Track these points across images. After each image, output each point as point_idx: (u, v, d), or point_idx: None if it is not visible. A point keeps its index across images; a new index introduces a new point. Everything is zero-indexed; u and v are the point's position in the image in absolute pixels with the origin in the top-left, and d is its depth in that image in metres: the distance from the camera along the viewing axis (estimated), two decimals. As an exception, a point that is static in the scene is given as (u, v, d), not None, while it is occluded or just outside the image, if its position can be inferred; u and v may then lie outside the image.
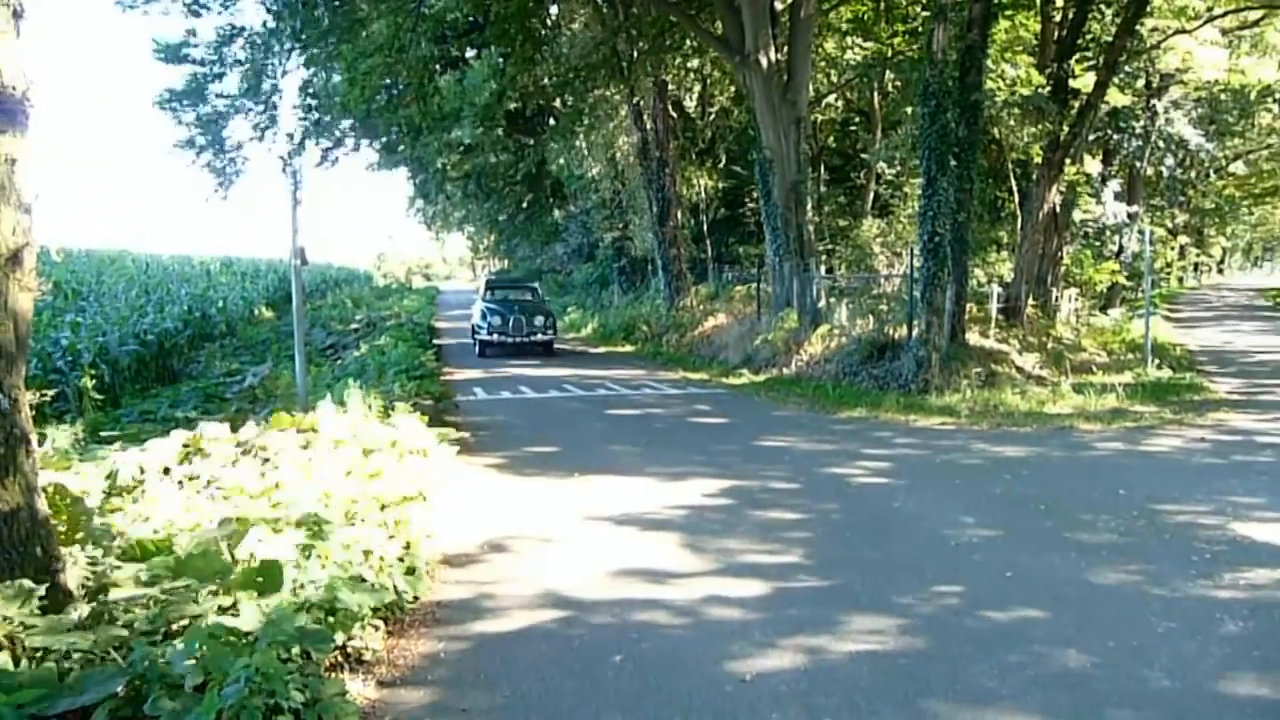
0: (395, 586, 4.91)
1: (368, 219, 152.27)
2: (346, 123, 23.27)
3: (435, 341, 21.71)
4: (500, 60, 20.44)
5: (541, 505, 7.43)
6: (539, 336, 20.15)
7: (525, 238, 41.69)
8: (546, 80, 23.60)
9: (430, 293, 50.01)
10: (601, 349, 22.60)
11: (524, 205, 35.79)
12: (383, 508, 5.46)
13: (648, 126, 23.82)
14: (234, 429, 6.62)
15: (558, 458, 9.31)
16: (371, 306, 31.57)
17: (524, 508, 7.34)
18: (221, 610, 3.82)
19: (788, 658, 4.41)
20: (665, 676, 4.25)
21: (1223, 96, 29.93)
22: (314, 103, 22.30)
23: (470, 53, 22.52)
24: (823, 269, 19.49)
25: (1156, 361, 15.59)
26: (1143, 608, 4.95)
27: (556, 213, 35.30)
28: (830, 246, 22.34)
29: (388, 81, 20.19)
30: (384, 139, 27.34)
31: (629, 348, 22.07)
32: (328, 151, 25.14)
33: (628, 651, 4.54)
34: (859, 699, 3.97)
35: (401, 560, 5.24)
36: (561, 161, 28.86)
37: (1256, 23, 23.99)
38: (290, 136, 21.45)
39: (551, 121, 28.99)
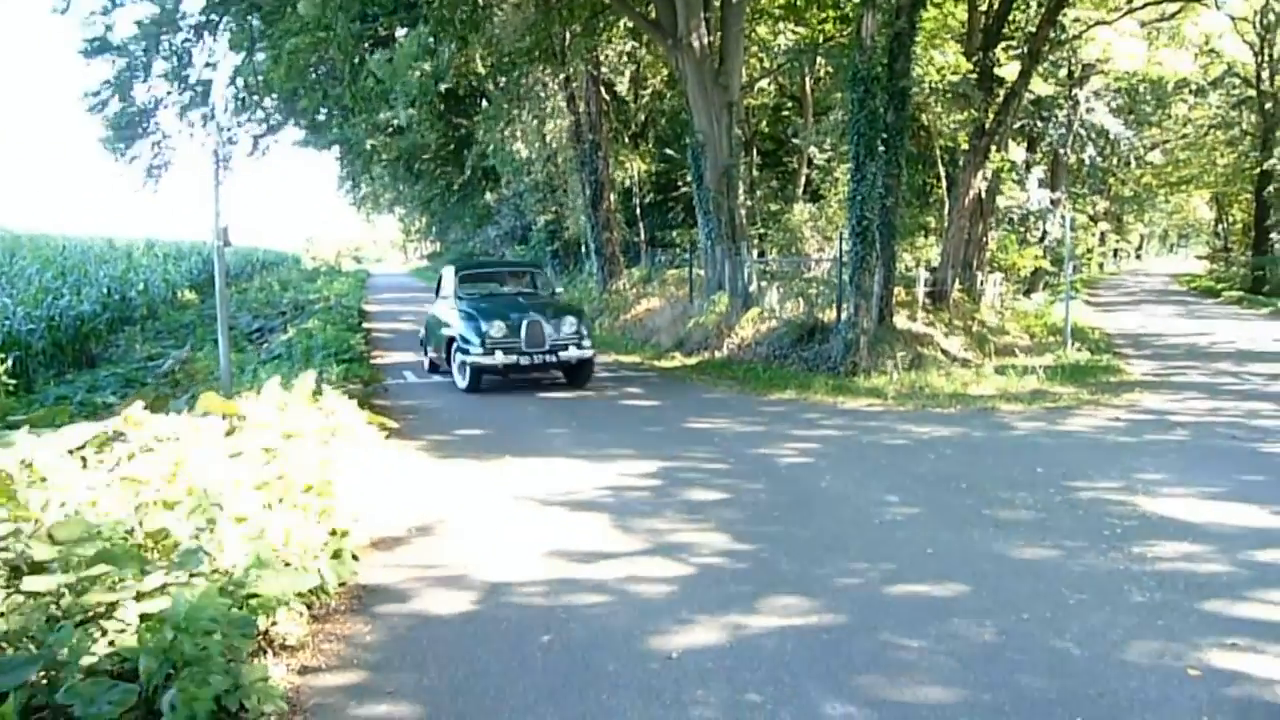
0: (320, 571, 4.85)
1: (296, 201, 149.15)
2: (272, 101, 22.61)
3: (365, 325, 21.37)
4: (432, 40, 20.11)
5: (471, 488, 7.40)
6: (572, 352, 12.44)
7: (457, 220, 41.26)
8: (480, 62, 23.28)
9: (361, 276, 49.16)
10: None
11: (456, 187, 35.32)
12: (307, 491, 5.37)
13: (581, 109, 23.72)
14: (153, 413, 6.44)
15: (488, 440, 9.27)
16: (300, 289, 30.92)
17: (454, 490, 7.30)
18: (140, 596, 3.73)
19: (714, 634, 4.47)
20: (593, 655, 4.28)
21: (1141, 87, 30.84)
22: (241, 85, 21.68)
23: (401, 32, 22.12)
24: (755, 253, 19.65)
25: (1076, 344, 16.06)
26: (1056, 581, 5.11)
27: (489, 195, 34.92)
28: (762, 230, 22.52)
29: (315, 61, 19.74)
30: (312, 119, 26.73)
31: (563, 331, 22.00)
32: (258, 140, 24.49)
33: (556, 631, 4.56)
34: (783, 673, 4.04)
35: (327, 545, 5.17)
36: (495, 143, 28.55)
37: (1173, 16, 24.74)
38: (209, 118, 20.79)
39: (485, 103, 28.67)
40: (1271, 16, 30.75)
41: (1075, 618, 4.60)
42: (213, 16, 19.53)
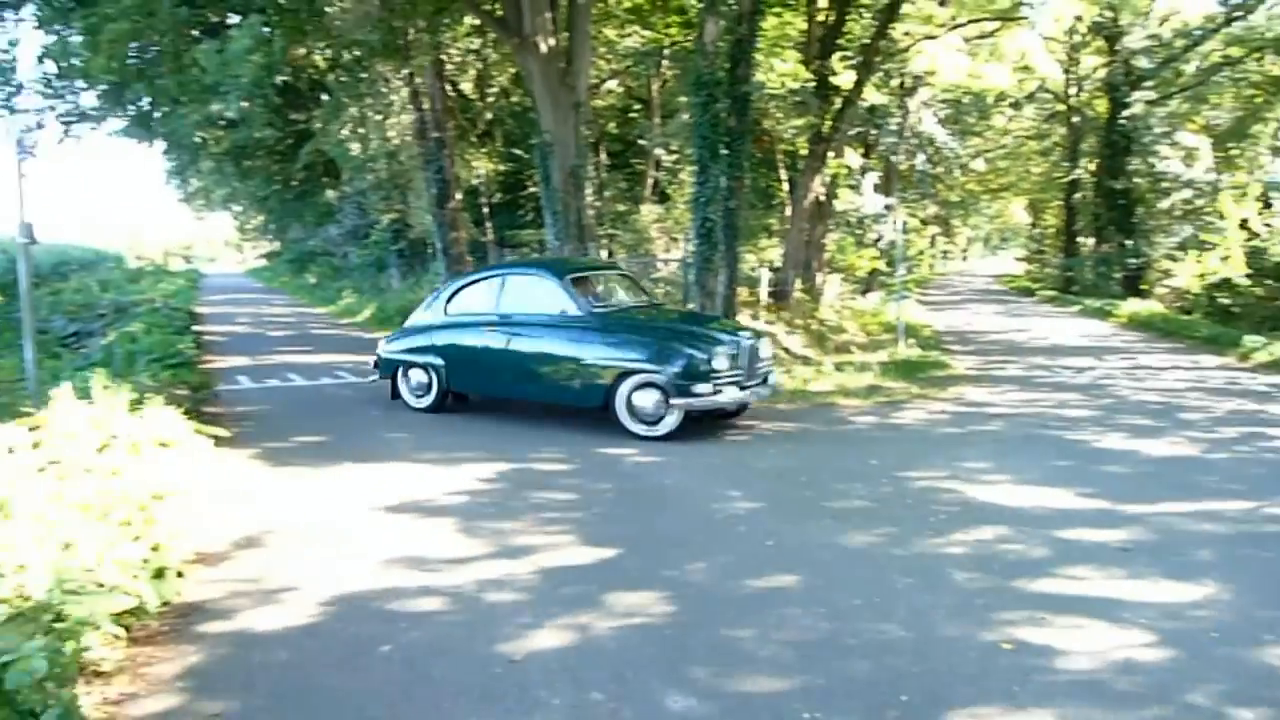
0: (139, 590, 4.57)
1: (120, 196, 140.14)
2: (83, 85, 21.10)
3: (196, 328, 20.29)
4: (267, 30, 19.28)
5: (308, 496, 7.13)
6: (771, 380, 10.23)
7: (297, 218, 39.69)
8: (319, 55, 22.47)
9: (191, 276, 46.73)
10: (379, 334, 21.79)
11: (294, 184, 34.00)
12: (125, 506, 5.05)
13: (425, 106, 23.22)
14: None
15: (328, 447, 8.95)
16: (122, 290, 29.06)
17: (289, 500, 7.02)
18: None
19: (558, 636, 4.46)
20: (434, 663, 4.20)
21: (965, 99, 32.73)
22: (52, 68, 20.15)
23: (233, 20, 21.11)
24: (603, 253, 19.76)
25: (909, 341, 16.87)
26: (886, 567, 5.36)
27: (330, 193, 33.75)
28: (611, 231, 22.66)
29: (137, 48, 18.56)
30: (135, 110, 25.14)
31: (409, 333, 21.53)
32: (69, 127, 22.83)
33: (396, 641, 4.44)
34: (627, 670, 4.07)
35: (147, 562, 4.88)
36: (335, 139, 27.62)
37: (993, 34, 26.38)
38: (8, 102, 19.22)
39: (324, 97, 27.69)
40: (1078, 37, 33.20)
41: (902, 601, 4.83)
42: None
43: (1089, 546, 5.70)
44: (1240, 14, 25.40)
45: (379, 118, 26.63)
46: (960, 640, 4.35)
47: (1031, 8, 25.78)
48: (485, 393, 10.73)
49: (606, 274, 11.71)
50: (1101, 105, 32.38)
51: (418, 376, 10.65)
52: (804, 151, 20.47)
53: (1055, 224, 45.31)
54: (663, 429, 9.07)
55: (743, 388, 9.36)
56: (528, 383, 9.93)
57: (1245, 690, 3.83)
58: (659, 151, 25.93)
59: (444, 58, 23.02)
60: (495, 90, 27.56)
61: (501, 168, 27.95)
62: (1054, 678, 3.97)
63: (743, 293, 17.15)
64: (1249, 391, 12.32)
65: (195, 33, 20.22)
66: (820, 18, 19.97)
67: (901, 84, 26.69)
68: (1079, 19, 30.02)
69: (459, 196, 24.26)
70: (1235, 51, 26.28)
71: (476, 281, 10.87)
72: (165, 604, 4.82)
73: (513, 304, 10.19)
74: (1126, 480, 7.45)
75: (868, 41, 19.36)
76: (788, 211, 21.45)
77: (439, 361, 10.39)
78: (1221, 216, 24.45)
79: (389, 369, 10.94)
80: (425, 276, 25.91)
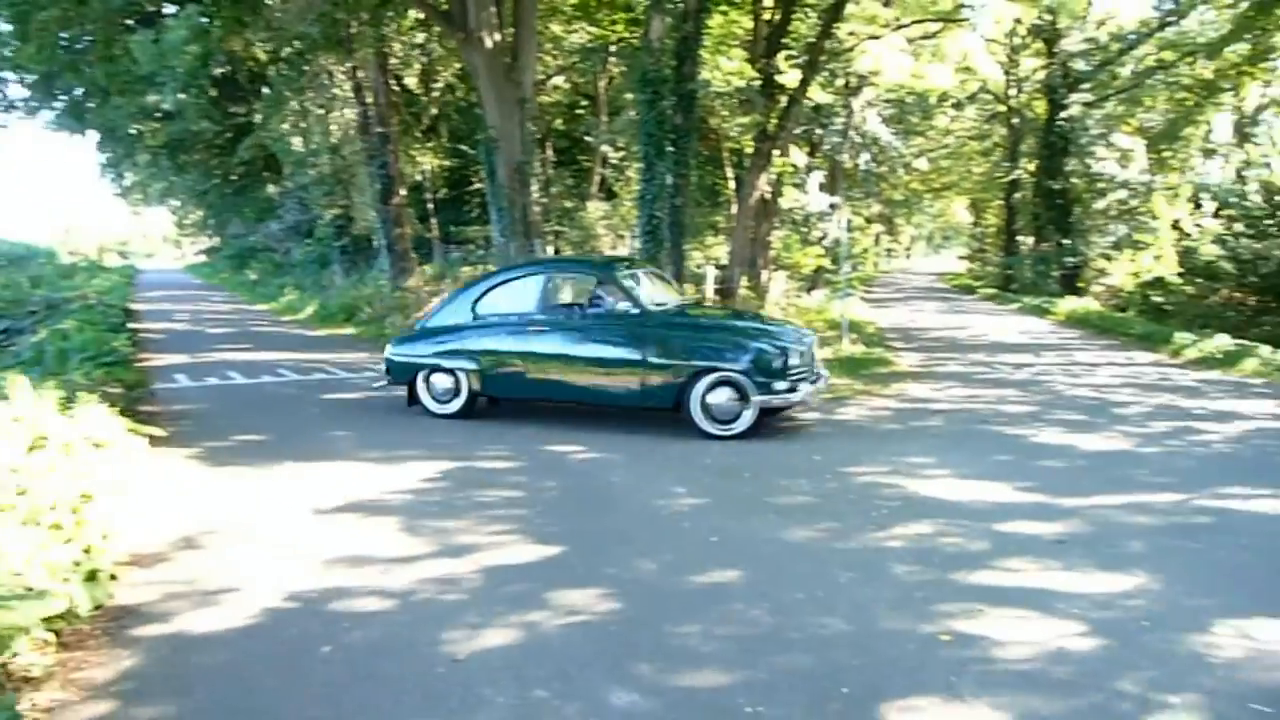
0: (70, 594, 4.45)
1: (52, 190, 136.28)
2: (13, 76, 20.46)
3: (132, 325, 19.82)
4: (204, 21, 18.88)
5: (248, 497, 7.00)
6: (822, 380, 9.99)
7: (237, 213, 38.95)
8: (259, 47, 22.04)
9: (127, 272, 45.64)
10: (322, 331, 21.58)
11: (234, 178, 33.35)
12: (54, 508, 4.91)
13: (369, 101, 22.96)
14: None
15: (268, 446, 8.80)
16: (55, 286, 28.28)
17: (228, 500, 6.89)
18: None
19: (502, 634, 4.44)
20: (376, 663, 4.15)
21: (908, 99, 33.22)
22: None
23: (170, 9, 20.62)
24: (549, 249, 19.70)
25: (853, 338, 17.06)
26: (828, 561, 5.42)
27: (271, 188, 33.17)
28: (557, 227, 22.62)
29: (68, 37, 18.05)
30: (66, 101, 24.44)
31: (351, 330, 21.22)
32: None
33: (337, 642, 4.39)
34: (571, 668, 4.07)
35: (79, 566, 4.76)
36: (277, 133, 27.15)
37: (936, 35, 26.78)
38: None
39: (265, 90, 27.20)
40: (1018, 40, 33.87)
41: (844, 595, 4.89)
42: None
43: (1026, 539, 5.82)
44: (1173, 19, 26.13)
45: (321, 112, 26.25)
46: (900, 633, 4.42)
47: (973, 10, 26.23)
48: (528, 396, 10.06)
49: (646, 272, 11.12)
50: (1040, 107, 33.09)
51: (443, 381, 10.01)
52: (750, 150, 20.60)
53: (996, 223, 46.22)
54: (739, 427, 8.91)
55: (809, 384, 9.28)
56: (583, 386, 9.51)
57: (1172, 677, 3.95)
58: (606, 148, 25.93)
59: (388, 51, 22.77)
60: (440, 85, 27.34)
61: (447, 163, 27.75)
62: (990, 668, 4.04)
63: (689, 290, 17.19)
64: (1179, 387, 12.67)
65: (130, 22, 19.73)
66: (766, 16, 20.11)
67: (846, 84, 26.99)
68: (1019, 22, 30.59)
69: (403, 192, 24.04)
70: (1168, 55, 27.01)
71: (509, 281, 10.30)
72: (98, 607, 4.71)
73: (560, 303, 9.91)
74: (1062, 474, 7.62)
75: (813, 41, 19.54)
76: (734, 209, 21.57)
77: (470, 365, 9.84)
78: (1154, 217, 25.15)
79: (406, 374, 10.21)
80: (369, 274, 25.58)
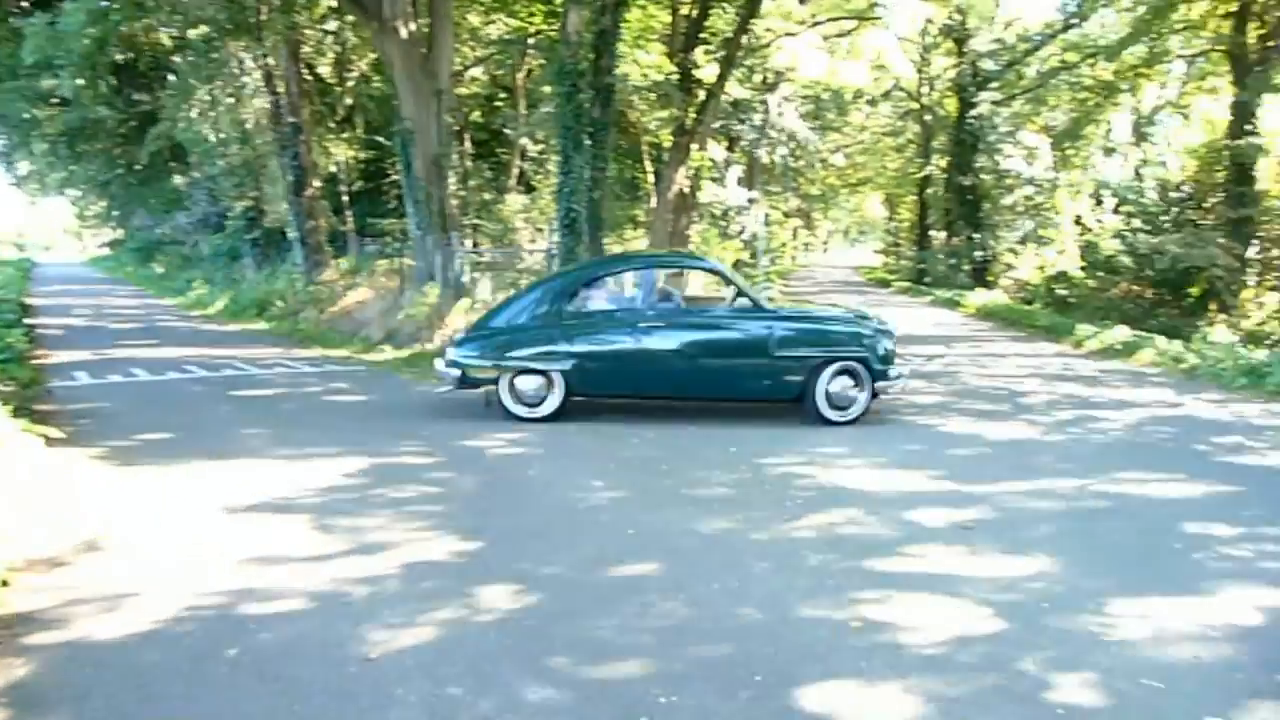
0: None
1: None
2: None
3: (27, 321, 18.97)
4: (104, 4, 18.16)
5: (152, 497, 6.76)
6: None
7: (142, 204, 37.53)
8: (164, 32, 21.29)
9: (24, 265, 43.71)
10: (232, 326, 21.00)
11: (139, 168, 32.08)
12: (-62, 512, 4.68)
13: (280, 90, 22.34)
14: None
15: (175, 444, 8.52)
16: (-58, 281, 26.95)
17: (132, 501, 6.64)
18: None
19: (416, 632, 4.38)
20: (284, 665, 4.05)
21: (824, 95, 33.76)
22: None
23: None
24: (468, 243, 19.50)
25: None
26: (743, 552, 5.48)
27: (178, 178, 32.04)
28: (476, 221, 22.37)
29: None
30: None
31: (263, 325, 20.73)
32: None
33: (244, 644, 4.27)
34: (486, 664, 4.03)
35: (-34, 571, 4.55)
36: (183, 122, 26.24)
37: (850, 33, 27.28)
38: None
39: (171, 78, 26.28)
40: (929, 39, 34.69)
41: (759, 584, 4.95)
42: None
43: (935, 526, 5.97)
44: (1075, 21, 27.04)
45: (231, 100, 25.47)
46: (813, 620, 4.49)
47: (886, 9, 26.80)
48: (635, 393, 9.82)
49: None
50: (951, 105, 33.95)
51: (530, 383, 9.47)
52: (669, 143, 20.69)
53: (909, 218, 47.33)
54: (855, 412, 9.33)
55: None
56: (699, 380, 9.50)
57: (1069, 657, 4.09)
58: (525, 141, 25.74)
59: (300, 39, 22.19)
60: (355, 75, 26.77)
61: (362, 155, 27.19)
62: (899, 652, 4.14)
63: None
64: (1081, 376, 13.15)
65: (24, 4, 18.88)
66: (684, 11, 20.21)
67: (764, 79, 27.31)
68: (930, 21, 31.39)
69: (317, 184, 23.48)
70: (1071, 57, 27.96)
71: (603, 277, 10.25)
72: (-13, 616, 4.50)
73: (665, 300, 9.85)
74: (971, 462, 7.84)
75: (730, 36, 19.69)
76: (653, 203, 21.63)
77: (566, 365, 9.40)
78: (1058, 213, 26.03)
79: (483, 379, 9.58)
80: (282, 267, 24.95)
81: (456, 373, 9.55)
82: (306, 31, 22.78)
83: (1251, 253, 22.46)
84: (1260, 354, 13.49)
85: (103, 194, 41.65)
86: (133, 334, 18.63)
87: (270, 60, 21.89)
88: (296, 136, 22.03)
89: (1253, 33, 21.74)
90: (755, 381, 9.45)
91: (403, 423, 9.49)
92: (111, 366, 13.55)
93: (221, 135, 26.55)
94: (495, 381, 9.52)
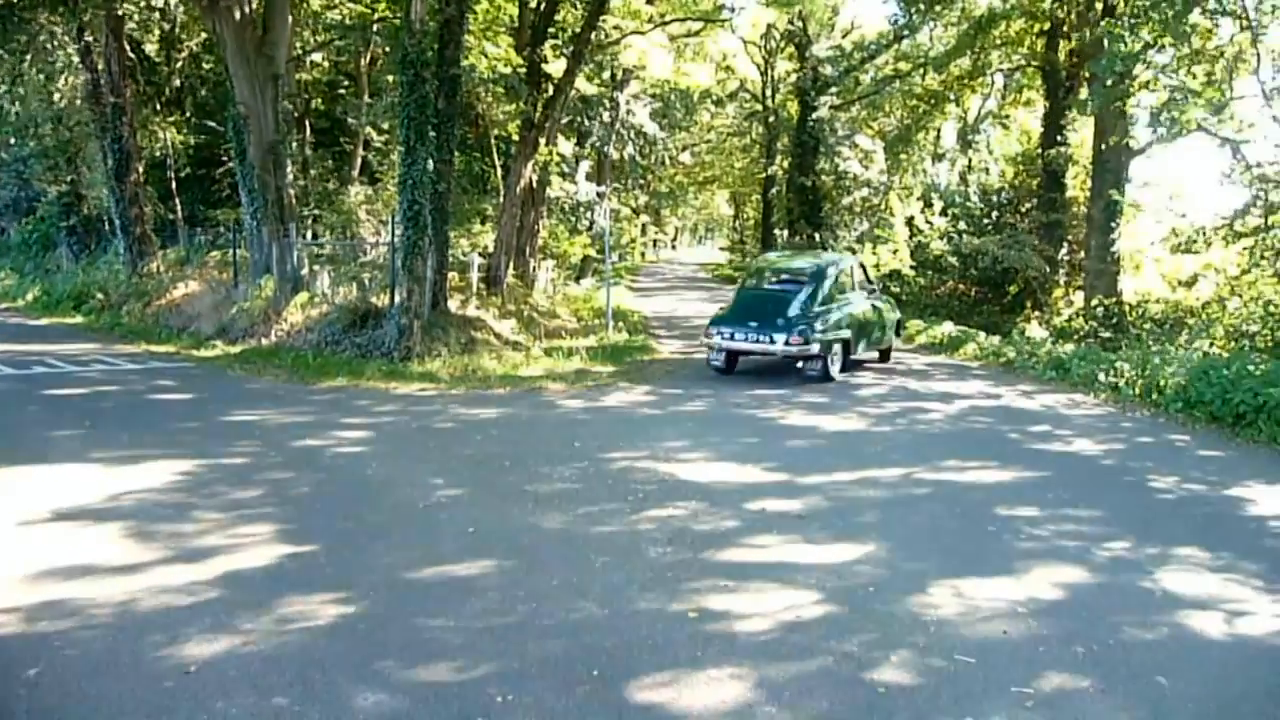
0: None
1: None
2: None
3: None
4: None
5: (-57, 506, 6.21)
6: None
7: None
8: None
9: None
10: (45, 320, 19.57)
11: (-64, 148, 29.47)
12: None
13: (100, 67, 20.86)
14: None
15: (-29, 449, 7.85)
16: None
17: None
18: None
19: (240, 641, 4.18)
20: (94, 682, 3.80)
21: (672, 95, 34.19)
22: None
23: None
24: (307, 235, 18.78)
25: (619, 326, 17.42)
26: (584, 546, 5.49)
27: (-20, 160, 29.59)
28: (316, 212, 21.53)
29: None
30: None
31: (80, 319, 19.39)
32: None
33: (48, 662, 3.97)
34: (314, 672, 3.89)
35: None
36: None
37: (698, 33, 27.71)
38: None
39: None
40: (773, 44, 35.69)
41: (599, 579, 4.98)
42: None
43: (771, 516, 6.15)
44: (907, 33, 28.32)
45: (41, 76, 23.61)
46: (651, 612, 4.55)
47: (732, 11, 27.37)
48: (858, 355, 13.39)
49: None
50: (793, 108, 34.99)
51: (838, 351, 12.44)
52: (517, 137, 20.49)
53: (755, 216, 48.55)
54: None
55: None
56: (875, 335, 13.68)
57: (891, 637, 4.30)
58: (368, 130, 24.98)
59: (122, 14, 20.78)
60: (184, 54, 25.31)
61: (192, 140, 25.75)
62: (733, 641, 4.24)
63: (454, 278, 16.93)
64: (911, 370, 13.85)
65: None
66: (532, 4, 20.04)
67: (613, 76, 27.39)
68: (773, 26, 32.26)
69: (142, 169, 22.07)
70: (903, 66, 29.27)
71: (836, 263, 13.50)
72: None
73: (862, 280, 13.89)
74: (806, 453, 8.12)
75: (578, 31, 19.65)
76: (501, 197, 21.38)
77: (847, 334, 12.61)
78: (891, 214, 27.24)
79: (825, 350, 12.01)
80: (103, 258, 23.38)
81: (810, 349, 11.86)
82: (129, 6, 21.32)
83: (1062, 254, 24.15)
84: (1068, 348, 14.55)
85: (-107, 174, 37.94)
86: None
87: (89, 35, 20.41)
88: (119, 118, 20.62)
89: (1063, 50, 23.39)
90: (885, 336, 14.17)
91: (235, 421, 9.07)
92: (-99, 363, 12.39)
93: (30, 112, 24.58)
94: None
